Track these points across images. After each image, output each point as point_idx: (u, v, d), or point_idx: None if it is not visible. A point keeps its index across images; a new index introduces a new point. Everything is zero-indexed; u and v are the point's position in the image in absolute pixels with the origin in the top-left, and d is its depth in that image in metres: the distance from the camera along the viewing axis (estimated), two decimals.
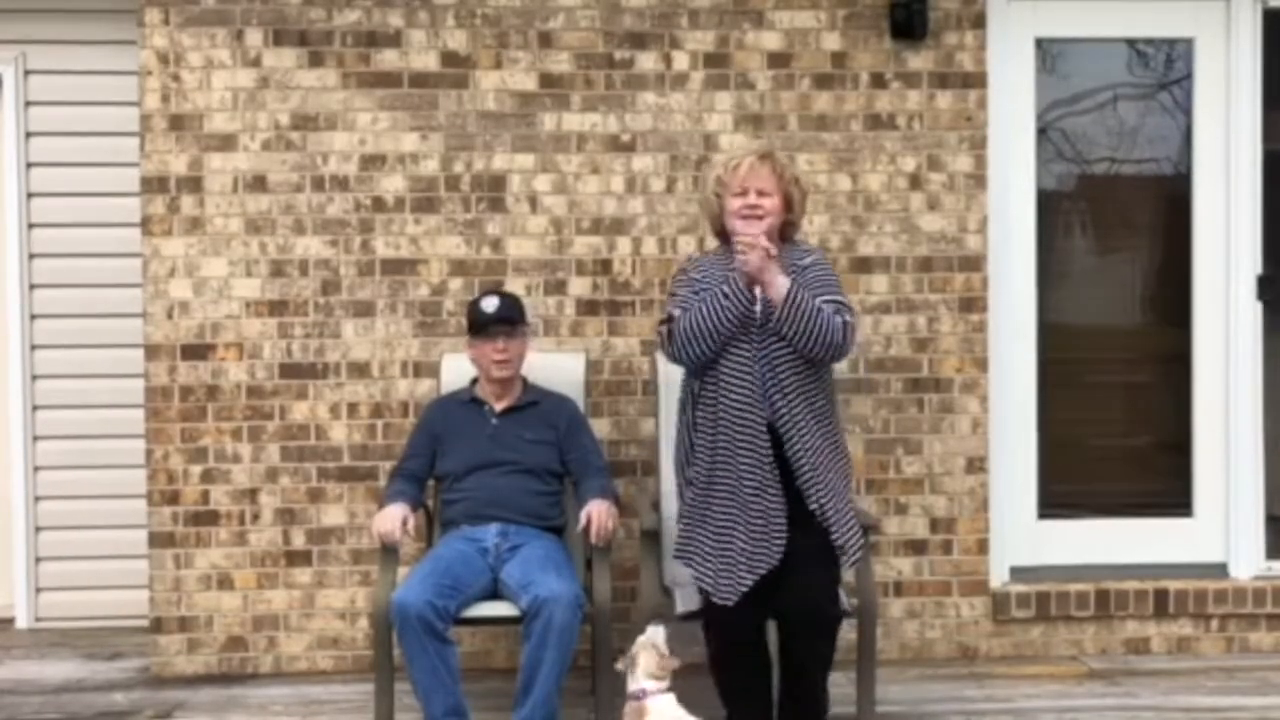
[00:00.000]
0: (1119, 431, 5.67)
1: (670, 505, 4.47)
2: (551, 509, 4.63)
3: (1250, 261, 5.41)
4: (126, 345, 5.60)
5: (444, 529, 4.66)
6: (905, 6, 5.16)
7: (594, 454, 4.70)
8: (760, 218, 4.11)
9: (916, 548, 5.29)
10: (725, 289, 4.07)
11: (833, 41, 5.24)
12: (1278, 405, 5.52)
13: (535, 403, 4.72)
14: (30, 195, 5.83)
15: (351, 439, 5.21)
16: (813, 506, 4.01)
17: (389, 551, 4.43)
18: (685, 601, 4.25)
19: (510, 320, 4.64)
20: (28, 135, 5.82)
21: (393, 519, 4.43)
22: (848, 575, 4.29)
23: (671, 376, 4.77)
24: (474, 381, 4.77)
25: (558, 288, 5.23)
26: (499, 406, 4.69)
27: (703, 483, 4.11)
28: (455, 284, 5.20)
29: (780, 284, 4.01)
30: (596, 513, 4.43)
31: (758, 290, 4.04)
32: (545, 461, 4.63)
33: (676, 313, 4.15)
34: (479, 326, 4.63)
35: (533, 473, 4.61)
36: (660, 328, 4.23)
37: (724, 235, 4.25)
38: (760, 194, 4.13)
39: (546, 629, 4.14)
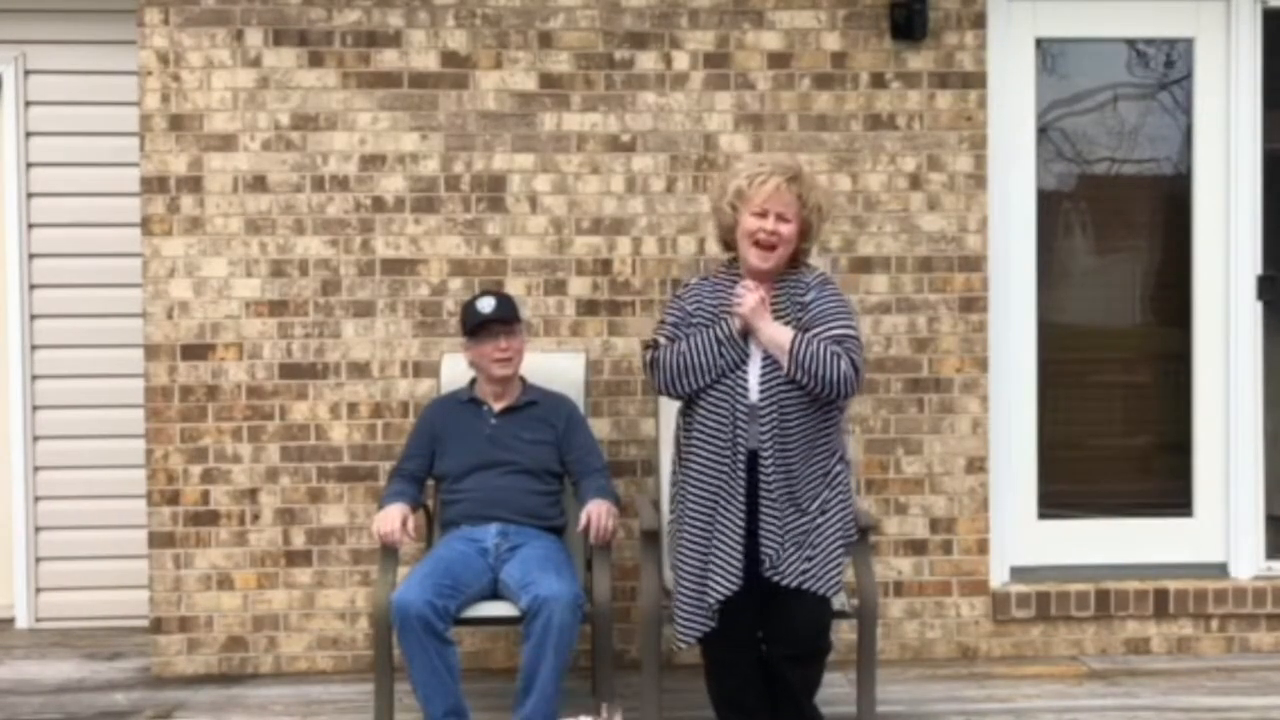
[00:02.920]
0: (1119, 431, 5.67)
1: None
2: (551, 509, 4.63)
3: (1250, 261, 5.41)
4: (126, 345, 5.60)
5: (444, 529, 4.66)
6: (905, 6, 5.16)
7: (593, 454, 4.70)
8: (774, 247, 4.01)
9: (916, 548, 5.30)
10: (719, 334, 4.01)
11: (833, 41, 5.24)
12: (1277, 405, 5.52)
13: (534, 402, 4.72)
14: (30, 195, 5.83)
15: (351, 439, 5.21)
16: (767, 551, 3.95)
17: (389, 552, 4.43)
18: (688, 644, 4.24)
19: (508, 319, 4.65)
20: (28, 135, 5.82)
21: (392, 519, 4.44)
22: (847, 575, 4.30)
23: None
24: (473, 382, 4.78)
25: (558, 288, 5.23)
26: (498, 406, 4.69)
27: (684, 511, 4.08)
28: (455, 284, 5.20)
29: (781, 339, 3.92)
30: (596, 513, 4.43)
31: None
32: (544, 461, 4.64)
33: (663, 341, 4.10)
34: (477, 327, 4.63)
35: (531, 473, 4.61)
36: (645, 354, 4.18)
37: (730, 246, 4.18)
38: (780, 219, 4.00)
39: (546, 629, 4.14)
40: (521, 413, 4.69)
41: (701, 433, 4.05)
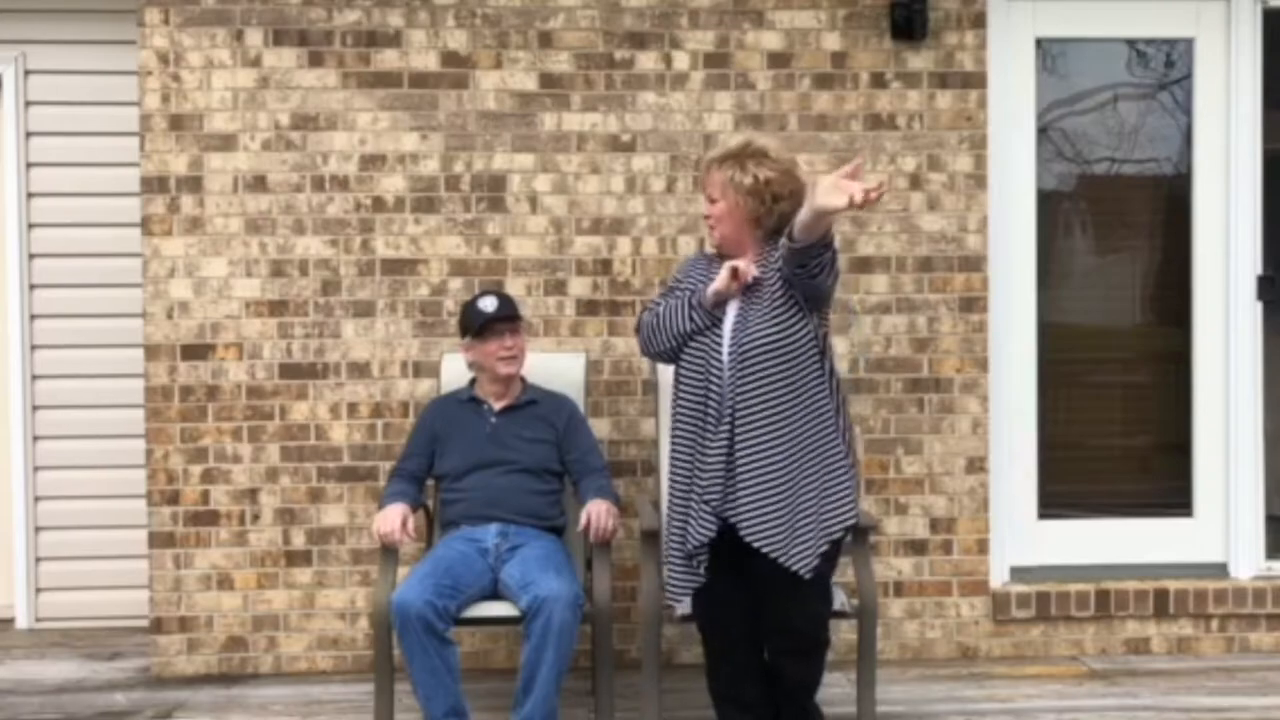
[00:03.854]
0: (1119, 431, 5.67)
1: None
2: (551, 508, 4.64)
3: (1250, 261, 5.41)
4: (126, 345, 5.61)
5: (444, 529, 4.66)
6: (905, 6, 5.16)
7: (593, 454, 4.70)
8: (711, 227, 4.12)
9: (916, 548, 5.30)
10: (693, 300, 4.07)
11: (833, 41, 5.25)
12: (1278, 405, 5.53)
13: (534, 401, 4.72)
14: (30, 195, 5.83)
15: (351, 439, 5.21)
16: (744, 522, 3.94)
17: (389, 552, 4.43)
18: (683, 603, 4.25)
19: (511, 317, 4.66)
20: (28, 135, 5.82)
21: (392, 519, 4.44)
22: (847, 575, 4.30)
23: (670, 376, 4.78)
24: (472, 381, 4.78)
25: (558, 288, 5.23)
26: (498, 405, 4.69)
27: (671, 472, 4.11)
28: (455, 284, 5.20)
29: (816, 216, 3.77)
30: (596, 512, 4.43)
31: (730, 291, 4.02)
32: (544, 461, 4.64)
33: (651, 306, 4.21)
34: (481, 327, 4.63)
35: (531, 472, 4.61)
36: (637, 320, 4.29)
37: None
38: (709, 200, 4.13)
39: (546, 629, 4.14)
40: (522, 411, 4.69)
41: (681, 395, 4.11)
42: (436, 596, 4.19)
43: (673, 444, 4.13)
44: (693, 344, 4.08)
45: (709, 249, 4.31)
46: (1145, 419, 5.70)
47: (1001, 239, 5.33)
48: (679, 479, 4.08)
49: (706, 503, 3.96)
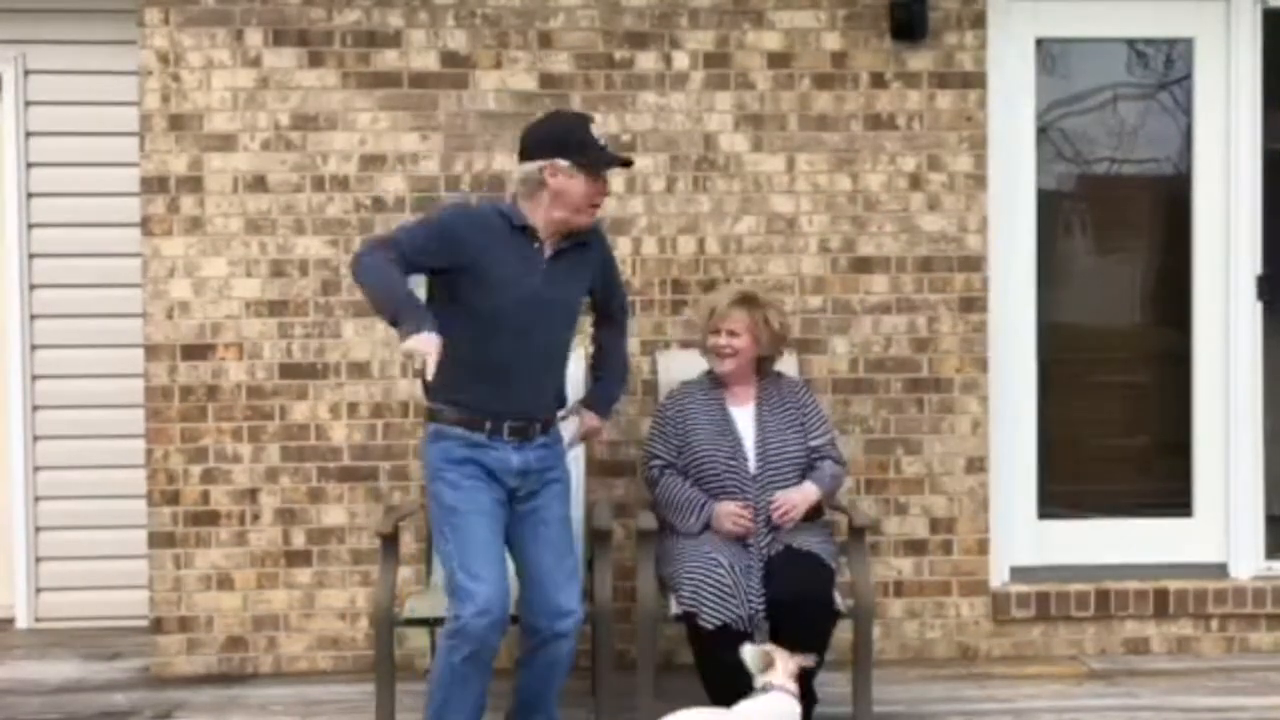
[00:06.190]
0: (1119, 431, 5.67)
1: None
2: (561, 389, 4.14)
3: (1250, 261, 5.41)
4: (126, 345, 5.59)
5: (448, 404, 3.92)
6: (905, 6, 5.16)
7: (618, 295, 4.29)
8: (727, 357, 4.51)
9: (916, 548, 5.29)
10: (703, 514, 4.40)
11: (833, 41, 5.24)
12: (1277, 405, 5.52)
13: (585, 244, 4.01)
14: (30, 195, 5.83)
15: (351, 439, 5.21)
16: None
17: (389, 551, 4.38)
18: (680, 602, 4.26)
19: (626, 163, 4.08)
20: (28, 135, 5.82)
21: (435, 346, 3.61)
22: (845, 575, 4.31)
23: (671, 376, 4.79)
24: (514, 198, 4.00)
25: None
26: (551, 248, 3.93)
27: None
28: None
29: (811, 496, 4.42)
30: (588, 423, 4.25)
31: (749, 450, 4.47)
32: (576, 314, 4.09)
33: (658, 464, 4.52)
34: (597, 163, 3.87)
35: (567, 328, 4.03)
36: (644, 468, 4.60)
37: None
38: (731, 334, 4.49)
39: (555, 662, 4.00)
40: (571, 254, 3.98)
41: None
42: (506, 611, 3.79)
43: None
44: (718, 472, 4.43)
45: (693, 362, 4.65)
46: (1145, 419, 5.70)
47: (1001, 239, 5.33)
48: (711, 568, 4.25)
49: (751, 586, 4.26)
